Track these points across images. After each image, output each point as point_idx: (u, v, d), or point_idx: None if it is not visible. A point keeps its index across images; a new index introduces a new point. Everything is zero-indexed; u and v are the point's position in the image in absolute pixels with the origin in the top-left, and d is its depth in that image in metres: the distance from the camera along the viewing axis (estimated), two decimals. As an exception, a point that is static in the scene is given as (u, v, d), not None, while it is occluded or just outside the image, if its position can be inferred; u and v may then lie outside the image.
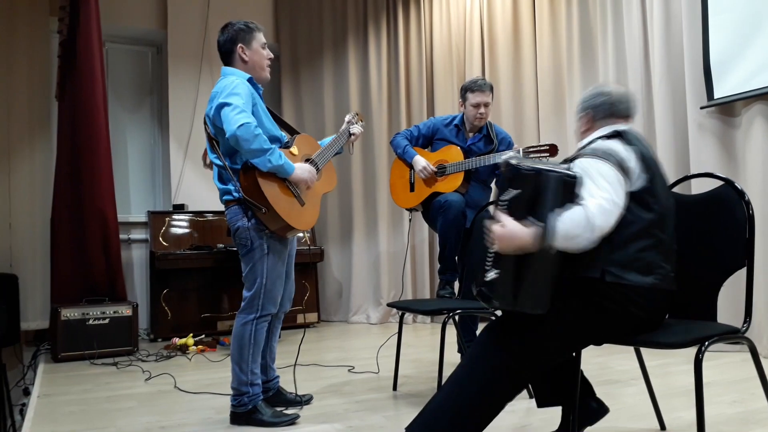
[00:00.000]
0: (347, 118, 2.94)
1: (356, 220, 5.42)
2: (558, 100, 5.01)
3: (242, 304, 2.52)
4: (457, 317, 2.92)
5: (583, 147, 1.92)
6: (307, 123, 5.52)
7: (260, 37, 2.56)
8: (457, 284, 3.26)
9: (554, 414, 2.15)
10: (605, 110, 1.97)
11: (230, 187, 2.51)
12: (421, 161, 3.32)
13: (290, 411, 2.59)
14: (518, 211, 1.69)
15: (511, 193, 1.71)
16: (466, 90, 3.36)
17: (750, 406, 2.52)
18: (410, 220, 4.03)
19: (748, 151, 3.59)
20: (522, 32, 5.29)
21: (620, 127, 1.91)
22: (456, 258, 3.19)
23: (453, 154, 3.31)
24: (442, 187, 3.27)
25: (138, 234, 5.01)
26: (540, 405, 2.10)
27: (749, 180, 3.54)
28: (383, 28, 5.52)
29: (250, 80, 2.51)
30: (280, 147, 2.54)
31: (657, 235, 1.79)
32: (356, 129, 2.89)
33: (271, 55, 2.62)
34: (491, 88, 3.36)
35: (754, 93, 3.51)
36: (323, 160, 2.73)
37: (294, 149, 2.61)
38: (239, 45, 2.51)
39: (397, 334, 3.09)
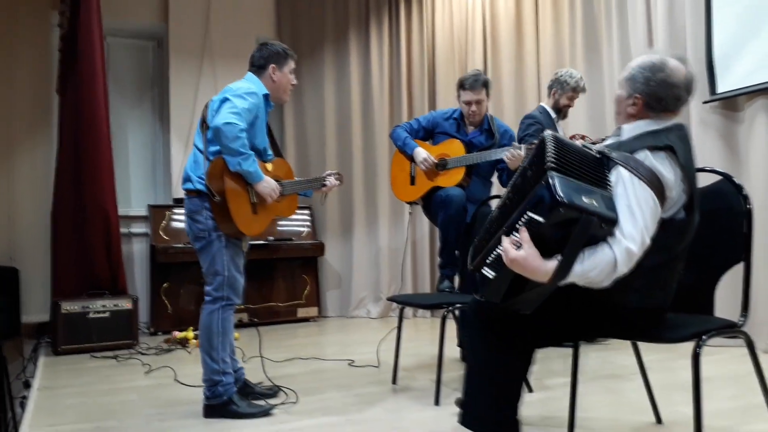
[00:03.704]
0: (327, 172, 3.02)
1: (357, 214, 5.42)
2: (560, 95, 4.97)
3: (207, 297, 2.55)
4: (456, 311, 2.92)
5: (626, 141, 1.70)
6: (308, 119, 5.51)
7: (291, 64, 2.71)
8: (457, 278, 3.26)
9: (546, 410, 2.15)
10: (666, 104, 1.69)
11: (192, 173, 2.53)
12: (422, 153, 3.30)
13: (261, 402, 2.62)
14: (539, 235, 1.48)
15: (536, 216, 1.47)
16: (459, 86, 3.33)
17: (748, 400, 2.52)
18: (410, 213, 4.03)
19: (751, 146, 3.57)
20: (524, 26, 5.26)
21: (672, 131, 1.66)
22: (456, 252, 3.19)
23: (455, 148, 3.29)
24: (444, 182, 3.26)
25: (138, 228, 5.02)
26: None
27: (752, 175, 3.52)
28: (385, 21, 5.51)
29: (266, 96, 2.63)
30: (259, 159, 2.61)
31: (679, 263, 1.74)
32: (331, 180, 2.96)
33: (295, 82, 2.77)
34: (485, 84, 3.27)
35: (757, 88, 3.49)
36: (290, 189, 2.79)
37: (269, 166, 2.70)
38: (272, 65, 2.66)
39: (397, 328, 3.09)
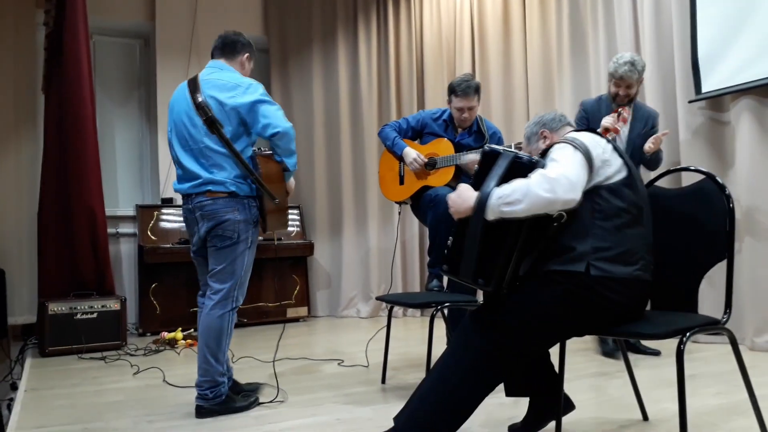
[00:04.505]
0: None
1: (346, 214, 5.43)
2: (548, 94, 5.02)
3: (216, 296, 2.53)
4: (446, 310, 2.93)
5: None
6: (297, 116, 5.50)
7: (252, 64, 2.77)
8: (446, 278, 3.27)
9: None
10: (559, 120, 2.09)
11: (219, 176, 2.50)
12: (411, 153, 3.30)
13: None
14: (476, 185, 1.82)
15: (476, 170, 1.89)
16: (450, 92, 3.29)
17: (733, 397, 2.55)
18: (399, 213, 4.03)
19: (736, 145, 3.61)
20: (512, 26, 5.29)
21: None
22: (446, 251, 3.19)
23: (443, 148, 3.30)
24: (433, 181, 3.26)
25: (126, 228, 4.99)
26: (509, 394, 2.13)
27: (737, 173, 3.56)
28: (373, 21, 5.51)
29: None
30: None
31: (639, 226, 1.83)
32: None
33: None
34: (477, 90, 3.25)
35: (741, 87, 3.53)
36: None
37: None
38: (247, 54, 2.70)
39: (386, 328, 3.10)
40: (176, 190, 2.64)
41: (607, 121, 3.20)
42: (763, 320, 3.42)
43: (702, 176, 2.05)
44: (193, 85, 2.55)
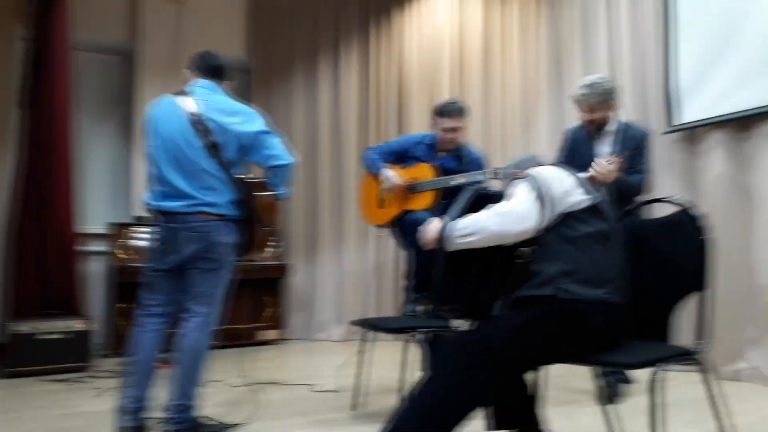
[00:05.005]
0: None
1: (322, 236, 5.39)
2: (525, 120, 5.10)
3: (196, 319, 2.48)
4: (421, 336, 2.90)
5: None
6: (276, 138, 5.48)
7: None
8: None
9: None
10: (530, 161, 2.25)
11: (213, 199, 2.47)
12: (392, 177, 3.31)
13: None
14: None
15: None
16: (438, 114, 3.34)
17: (706, 426, 2.55)
18: (380, 237, 4.00)
19: (708, 178, 3.67)
20: (492, 55, 5.37)
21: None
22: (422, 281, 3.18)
23: (424, 172, 3.31)
24: (413, 205, 3.27)
25: (96, 246, 4.88)
26: (490, 429, 2.11)
27: (710, 205, 3.59)
28: (355, 46, 5.54)
29: None
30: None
31: (607, 250, 1.87)
32: None
33: None
34: (463, 112, 3.33)
35: (714, 120, 3.60)
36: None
37: None
38: (230, 82, 2.73)
39: (359, 353, 3.05)
40: (160, 207, 2.53)
41: (596, 167, 2.87)
42: (728, 350, 3.45)
43: (677, 207, 2.08)
44: (190, 104, 2.51)
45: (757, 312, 3.38)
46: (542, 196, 1.84)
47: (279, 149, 2.56)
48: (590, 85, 3.07)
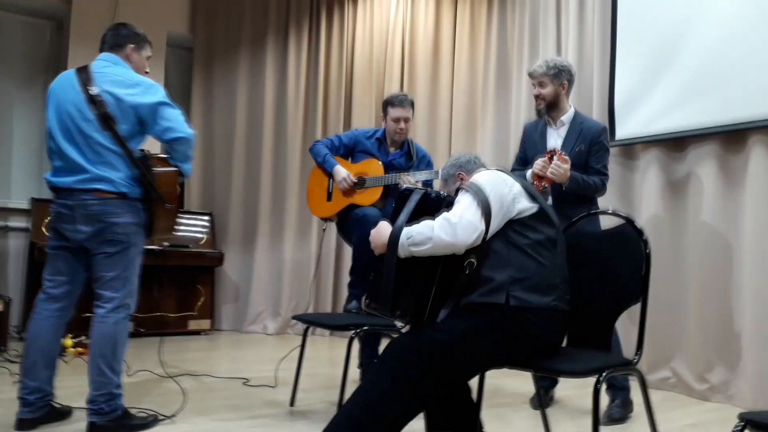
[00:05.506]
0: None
1: (261, 226, 5.26)
2: (470, 121, 5.18)
3: (108, 305, 2.37)
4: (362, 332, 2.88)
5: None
6: (217, 122, 5.31)
7: (148, 50, 2.64)
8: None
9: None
10: (473, 162, 2.21)
11: (110, 175, 2.35)
12: (341, 172, 3.29)
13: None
14: (393, 222, 1.90)
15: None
16: (387, 104, 3.39)
17: (632, 429, 2.67)
18: (324, 230, 3.95)
19: (644, 193, 3.82)
20: (441, 53, 5.42)
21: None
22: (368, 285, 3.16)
23: (373, 168, 3.31)
24: (360, 200, 3.25)
25: (17, 222, 4.58)
26: (429, 430, 2.12)
27: (643, 221, 3.73)
28: (305, 32, 5.44)
29: None
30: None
31: (553, 257, 1.90)
32: None
33: (149, 71, 2.66)
34: (412, 104, 3.40)
35: (651, 138, 3.76)
36: None
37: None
38: (131, 45, 2.55)
39: (299, 347, 2.99)
40: (54, 183, 2.40)
41: (537, 166, 2.88)
42: (654, 359, 3.62)
43: (620, 220, 2.14)
44: (86, 76, 2.40)
45: (683, 321, 3.56)
46: (490, 205, 1.83)
47: (177, 122, 2.42)
48: (545, 60, 3.09)
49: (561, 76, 3.03)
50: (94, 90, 2.35)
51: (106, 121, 2.34)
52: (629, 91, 3.91)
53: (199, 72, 5.29)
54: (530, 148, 3.13)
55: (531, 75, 3.10)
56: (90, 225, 2.34)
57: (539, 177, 2.88)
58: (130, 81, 2.41)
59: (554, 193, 2.97)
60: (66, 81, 2.44)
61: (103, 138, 2.35)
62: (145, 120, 2.39)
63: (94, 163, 2.35)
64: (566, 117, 3.07)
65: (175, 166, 2.48)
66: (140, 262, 2.48)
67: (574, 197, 2.93)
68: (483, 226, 1.81)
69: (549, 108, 3.07)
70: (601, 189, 3.03)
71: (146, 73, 2.61)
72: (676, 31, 3.67)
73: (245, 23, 5.36)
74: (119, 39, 2.53)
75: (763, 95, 3.23)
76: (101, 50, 2.53)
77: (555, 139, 3.07)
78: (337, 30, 5.49)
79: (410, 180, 3.15)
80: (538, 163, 2.88)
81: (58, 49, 5.00)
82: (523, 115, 4.66)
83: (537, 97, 3.07)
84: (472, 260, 1.82)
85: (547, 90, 3.04)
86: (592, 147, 3.01)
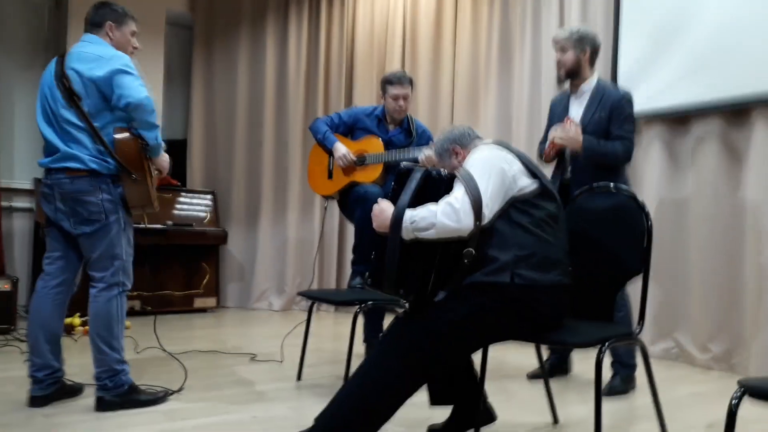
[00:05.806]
0: None
1: (264, 204, 5.28)
2: (472, 100, 5.15)
3: (99, 284, 2.39)
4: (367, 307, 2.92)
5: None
6: (218, 100, 5.30)
7: (132, 25, 2.59)
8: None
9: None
10: (468, 135, 2.12)
11: (80, 152, 2.36)
12: (341, 148, 3.29)
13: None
14: (394, 201, 1.87)
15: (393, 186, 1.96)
16: (386, 82, 3.37)
17: (635, 402, 2.71)
18: (326, 207, 3.97)
19: (646, 169, 3.82)
20: (443, 30, 5.37)
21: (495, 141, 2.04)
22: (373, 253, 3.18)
23: (374, 145, 3.31)
24: (361, 177, 3.26)
25: (22, 202, 4.60)
26: (433, 403, 2.15)
27: (645, 196, 3.73)
28: (305, 10, 5.39)
29: None
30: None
31: (556, 233, 1.90)
32: None
33: (138, 45, 2.63)
34: (411, 82, 3.38)
35: (654, 113, 3.74)
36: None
37: None
38: (109, 22, 2.52)
39: (305, 323, 3.03)
40: (40, 164, 2.46)
41: (554, 132, 2.92)
42: (655, 331, 3.67)
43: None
44: (61, 58, 2.43)
45: (686, 294, 3.59)
46: (481, 197, 1.78)
47: (128, 87, 2.34)
48: (568, 28, 3.09)
49: (583, 42, 3.00)
50: (62, 69, 2.38)
51: (71, 98, 2.35)
52: (632, 66, 3.89)
53: (200, 51, 5.26)
54: (555, 121, 3.08)
55: (554, 40, 3.08)
56: (65, 204, 2.37)
57: (553, 144, 2.90)
58: (93, 55, 2.39)
59: (574, 164, 2.94)
60: (50, 66, 2.48)
61: (71, 115, 2.36)
62: (105, 93, 2.36)
63: (66, 141, 2.37)
64: (587, 86, 3.02)
65: (138, 135, 2.42)
66: (129, 239, 2.46)
67: (593, 168, 2.84)
68: (489, 209, 1.78)
69: (570, 76, 3.03)
70: (622, 156, 2.93)
71: (134, 48, 2.58)
72: (680, 6, 3.64)
73: (245, 1, 5.32)
74: (97, 18, 2.51)
75: (767, 71, 3.21)
76: (84, 31, 2.52)
77: (576, 108, 3.03)
78: (338, 7, 5.44)
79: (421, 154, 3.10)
80: (557, 130, 2.91)
81: (57, 28, 4.97)
82: (526, 90, 4.64)
83: (558, 63, 3.05)
84: (471, 250, 1.80)
85: (568, 56, 3.00)
86: (613, 113, 2.93)
